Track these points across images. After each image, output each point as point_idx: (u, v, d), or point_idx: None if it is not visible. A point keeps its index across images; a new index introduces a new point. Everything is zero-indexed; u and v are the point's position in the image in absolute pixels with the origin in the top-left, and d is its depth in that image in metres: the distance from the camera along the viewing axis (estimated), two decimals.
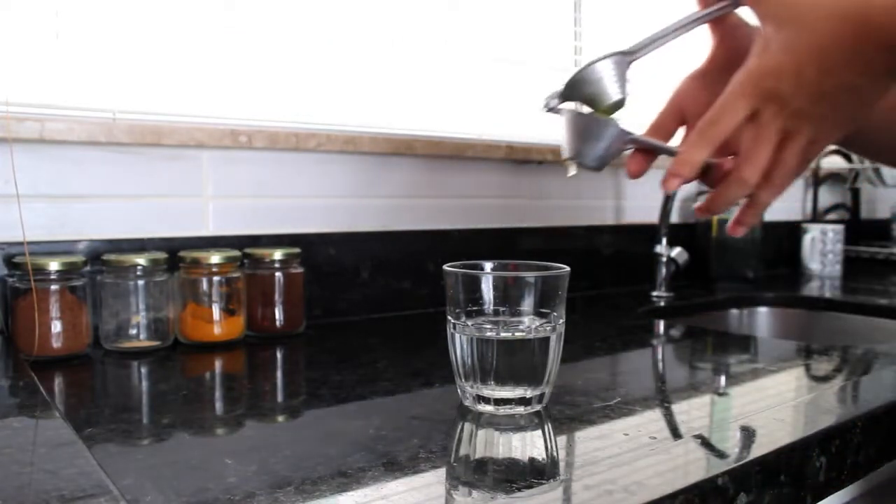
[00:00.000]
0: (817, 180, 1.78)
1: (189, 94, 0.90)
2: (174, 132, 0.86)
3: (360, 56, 1.04)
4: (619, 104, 0.55)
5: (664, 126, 0.58)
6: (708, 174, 0.54)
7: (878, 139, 0.64)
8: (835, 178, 1.85)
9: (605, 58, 0.54)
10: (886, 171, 1.76)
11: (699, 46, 0.60)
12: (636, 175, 0.56)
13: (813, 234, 1.60)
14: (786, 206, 1.74)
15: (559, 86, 0.55)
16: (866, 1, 0.45)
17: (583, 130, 0.55)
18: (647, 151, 0.56)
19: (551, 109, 0.56)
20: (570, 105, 0.56)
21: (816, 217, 1.77)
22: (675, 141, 0.57)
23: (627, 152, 0.57)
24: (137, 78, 0.87)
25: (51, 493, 0.38)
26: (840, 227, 1.62)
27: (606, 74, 0.54)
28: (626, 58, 0.55)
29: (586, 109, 0.56)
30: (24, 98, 0.80)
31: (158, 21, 0.88)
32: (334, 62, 1.02)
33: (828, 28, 0.45)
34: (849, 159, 1.81)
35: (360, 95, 1.05)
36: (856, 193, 1.88)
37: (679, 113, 0.58)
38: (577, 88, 0.55)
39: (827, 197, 1.84)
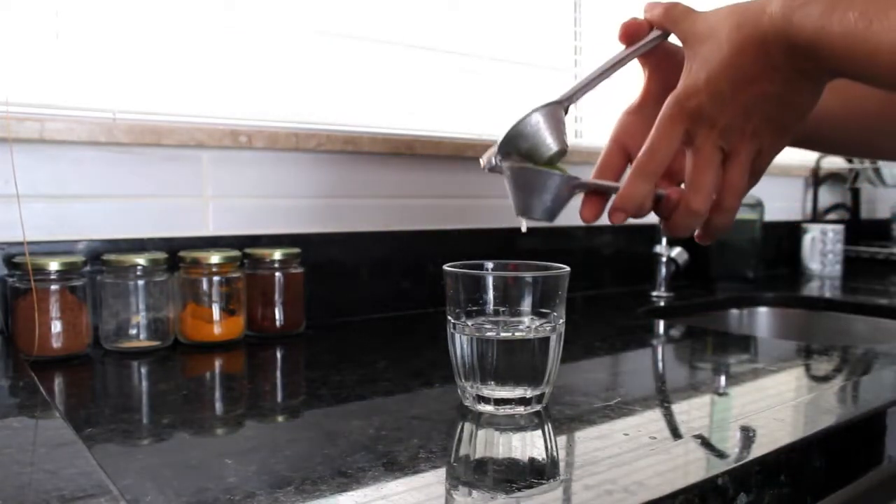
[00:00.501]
0: (817, 180, 1.78)
1: (189, 94, 0.90)
2: (174, 132, 0.86)
3: (360, 56, 1.04)
4: (560, 154, 0.53)
5: (611, 165, 0.57)
6: (659, 204, 0.53)
7: (833, 136, 0.64)
8: (835, 178, 1.85)
9: (536, 110, 0.52)
10: (886, 171, 1.76)
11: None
12: (591, 220, 0.55)
13: (813, 234, 1.60)
14: (786, 206, 1.74)
15: (496, 143, 0.54)
16: (761, 7, 0.45)
17: (525, 185, 0.53)
18: (599, 193, 0.55)
19: (492, 168, 0.54)
20: (510, 161, 0.54)
21: (816, 217, 1.77)
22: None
23: (579, 196, 0.55)
24: (137, 78, 0.87)
25: (51, 493, 0.38)
26: (840, 227, 1.62)
27: (542, 126, 0.53)
28: (559, 106, 0.54)
29: (530, 163, 0.54)
30: (24, 98, 0.80)
31: (158, 21, 0.88)
32: (334, 62, 1.02)
33: (734, 40, 0.46)
34: (849, 159, 1.81)
35: (360, 95, 1.05)
36: (856, 193, 1.88)
37: (623, 150, 0.57)
38: (515, 143, 0.53)
39: (827, 197, 1.84)
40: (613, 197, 0.53)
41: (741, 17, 0.46)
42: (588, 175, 0.56)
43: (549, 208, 0.53)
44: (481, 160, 0.55)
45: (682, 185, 0.53)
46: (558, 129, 0.53)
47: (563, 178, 0.53)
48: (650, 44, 0.55)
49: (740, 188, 0.51)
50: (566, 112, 0.54)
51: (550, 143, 0.53)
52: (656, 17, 0.53)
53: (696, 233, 0.55)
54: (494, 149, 0.54)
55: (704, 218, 0.52)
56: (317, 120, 1.00)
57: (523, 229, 0.56)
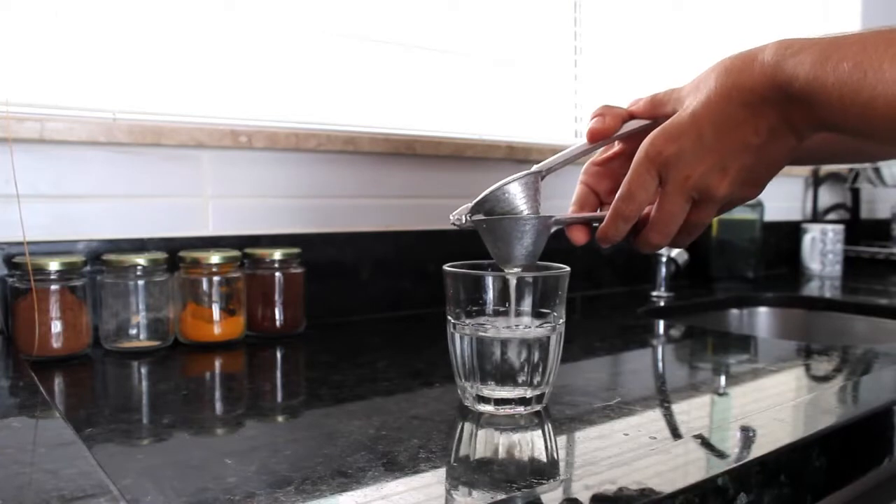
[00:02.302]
0: (817, 180, 1.78)
1: (189, 94, 0.90)
2: (174, 132, 0.86)
3: (360, 56, 1.04)
4: None
5: (585, 203, 0.58)
6: (637, 228, 0.54)
7: (820, 154, 0.66)
8: (835, 178, 1.85)
9: (515, 180, 0.53)
10: (886, 171, 1.75)
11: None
12: (582, 242, 0.56)
13: (813, 234, 1.60)
14: (786, 206, 1.74)
15: (466, 205, 0.54)
16: (752, 55, 0.45)
17: (504, 235, 0.54)
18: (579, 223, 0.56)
19: (461, 225, 0.55)
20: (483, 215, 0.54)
21: (816, 217, 1.77)
22: None
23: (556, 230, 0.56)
24: (137, 78, 0.87)
25: (51, 493, 0.38)
26: (840, 227, 1.62)
27: (518, 195, 0.53)
28: (536, 176, 0.54)
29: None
30: (24, 98, 0.80)
31: (159, 21, 0.88)
32: (334, 62, 1.02)
33: (722, 85, 0.46)
34: None
35: (360, 95, 1.05)
36: (856, 193, 1.88)
37: (593, 192, 0.58)
38: (488, 207, 0.54)
39: (827, 197, 1.84)
40: (595, 226, 0.55)
41: (730, 64, 0.46)
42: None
43: (532, 252, 0.54)
44: (451, 216, 0.55)
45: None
46: (534, 198, 0.54)
47: (539, 219, 0.54)
48: (639, 129, 0.56)
49: (700, 229, 0.52)
50: (542, 179, 0.55)
51: (524, 212, 0.54)
52: (641, 110, 0.54)
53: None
54: (466, 207, 0.55)
55: (662, 247, 0.53)
56: (317, 120, 1.00)
57: (511, 277, 0.55)
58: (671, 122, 0.48)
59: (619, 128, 0.55)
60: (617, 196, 0.51)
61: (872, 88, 0.40)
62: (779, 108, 0.45)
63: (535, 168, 0.54)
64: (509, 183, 0.53)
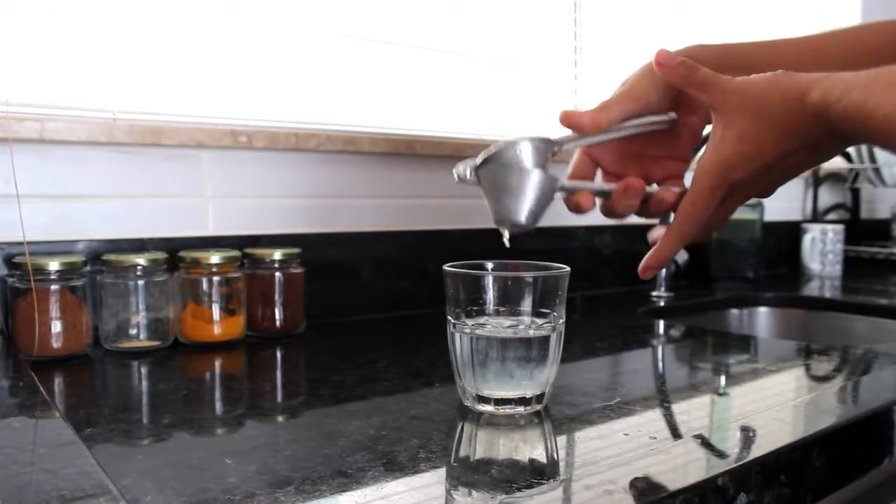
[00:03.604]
0: (817, 180, 1.78)
1: (189, 94, 0.90)
2: (174, 132, 0.86)
3: (360, 56, 1.04)
4: None
5: (582, 172, 0.58)
6: (647, 203, 0.55)
7: None
8: (835, 178, 1.85)
9: (527, 139, 0.51)
10: (886, 170, 1.75)
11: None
12: (587, 210, 0.55)
13: (813, 234, 1.60)
14: (786, 206, 1.74)
15: (470, 160, 0.53)
16: (801, 93, 0.48)
17: (506, 186, 0.51)
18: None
19: (464, 180, 0.53)
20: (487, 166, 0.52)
21: (816, 217, 1.77)
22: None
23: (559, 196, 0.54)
24: (137, 78, 0.87)
25: (51, 493, 0.38)
26: (840, 227, 1.62)
27: (527, 155, 0.51)
28: (549, 145, 0.52)
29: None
30: (24, 98, 0.80)
31: (159, 21, 0.88)
32: (334, 62, 1.02)
33: (783, 122, 0.49)
34: (849, 159, 1.81)
35: (360, 95, 1.05)
36: (856, 193, 1.88)
37: (592, 160, 0.58)
38: (494, 160, 0.51)
39: (827, 197, 1.84)
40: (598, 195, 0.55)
41: (784, 102, 0.48)
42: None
43: (533, 212, 0.51)
44: (454, 170, 0.53)
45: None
46: (542, 165, 0.51)
47: (545, 176, 0.51)
48: (659, 125, 0.56)
49: (727, 220, 0.57)
50: (553, 155, 0.53)
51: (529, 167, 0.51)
52: (676, 77, 0.53)
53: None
54: (471, 161, 0.52)
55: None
56: (317, 120, 1.00)
57: (506, 237, 0.54)
58: (738, 151, 0.50)
59: (628, 113, 0.54)
60: (677, 217, 0.53)
61: None
62: (833, 139, 0.49)
63: (552, 136, 0.53)
64: (521, 141, 0.51)
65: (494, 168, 0.51)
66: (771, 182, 0.54)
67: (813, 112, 0.47)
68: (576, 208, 0.55)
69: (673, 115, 0.57)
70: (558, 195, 0.53)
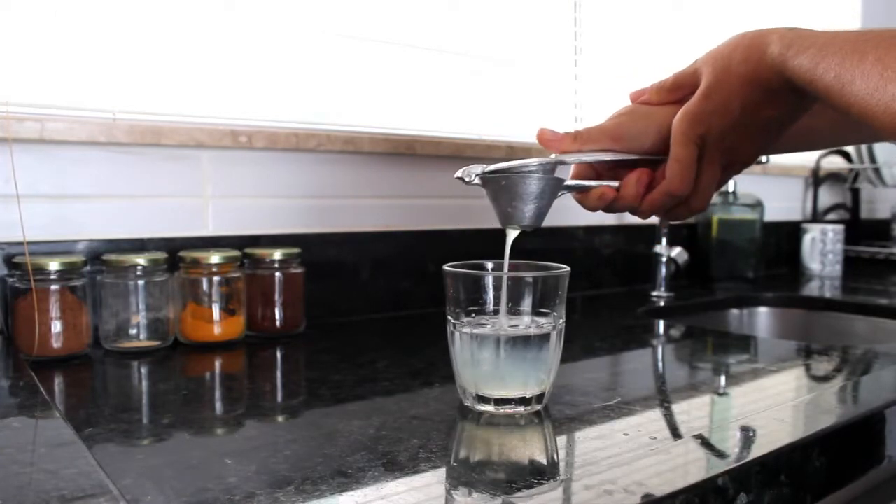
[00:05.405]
0: (817, 180, 1.78)
1: (189, 94, 0.90)
2: (174, 132, 0.86)
3: (360, 56, 1.04)
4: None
5: (583, 176, 0.60)
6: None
7: (796, 146, 0.70)
8: (835, 178, 1.85)
9: (537, 163, 0.54)
10: (886, 170, 1.76)
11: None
12: (608, 201, 0.57)
13: (813, 234, 1.60)
14: (786, 206, 1.74)
15: (475, 165, 0.56)
16: (762, 46, 0.50)
17: (514, 191, 0.54)
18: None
19: (469, 181, 0.56)
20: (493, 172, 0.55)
21: (816, 217, 1.77)
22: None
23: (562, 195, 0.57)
24: (137, 78, 0.87)
25: (51, 493, 0.38)
26: (840, 227, 1.62)
27: (534, 170, 0.54)
28: (555, 166, 0.55)
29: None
30: (24, 98, 0.80)
31: (159, 21, 0.88)
32: (334, 62, 1.02)
33: (742, 72, 0.51)
34: (849, 159, 1.81)
35: (360, 95, 1.05)
36: (856, 193, 1.88)
37: (592, 168, 0.60)
38: (503, 172, 0.54)
39: (827, 197, 1.84)
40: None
41: (747, 52, 0.51)
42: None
43: (537, 213, 0.55)
44: (458, 172, 0.56)
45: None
46: (550, 173, 0.54)
47: (551, 180, 0.54)
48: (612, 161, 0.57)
49: (719, 188, 0.59)
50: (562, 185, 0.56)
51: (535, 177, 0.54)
52: (664, 95, 0.58)
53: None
54: (476, 167, 0.55)
55: (698, 213, 0.59)
56: (317, 120, 1.00)
57: (512, 236, 0.56)
58: (703, 99, 0.53)
59: (603, 151, 0.56)
60: (668, 173, 0.54)
61: (849, 98, 0.45)
62: (792, 93, 0.50)
63: (559, 157, 0.55)
64: (528, 164, 0.54)
65: (502, 178, 0.55)
66: (746, 137, 0.54)
67: (771, 64, 0.49)
68: (599, 200, 0.57)
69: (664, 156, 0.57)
70: (566, 195, 0.57)
